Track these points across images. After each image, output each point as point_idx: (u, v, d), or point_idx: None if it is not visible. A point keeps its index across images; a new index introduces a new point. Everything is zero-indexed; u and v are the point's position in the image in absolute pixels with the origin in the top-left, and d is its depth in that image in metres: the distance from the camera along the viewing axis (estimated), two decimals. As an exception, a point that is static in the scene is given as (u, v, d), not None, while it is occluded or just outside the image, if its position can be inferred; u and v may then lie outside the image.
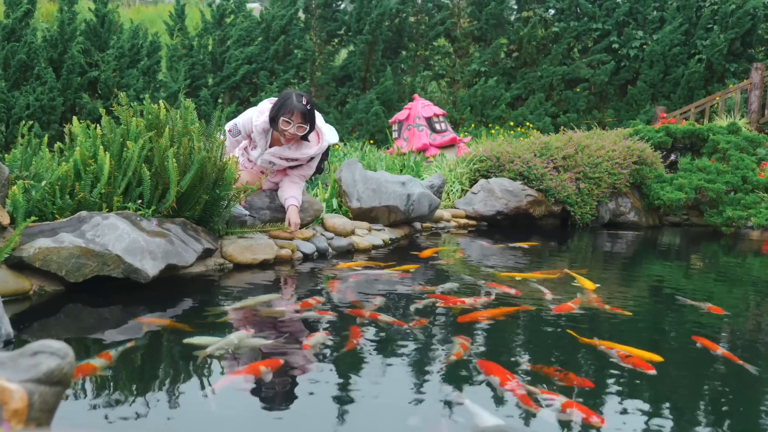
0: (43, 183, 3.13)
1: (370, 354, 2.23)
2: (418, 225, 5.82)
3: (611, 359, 2.23)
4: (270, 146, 4.25)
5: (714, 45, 13.61)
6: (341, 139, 12.38)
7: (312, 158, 4.34)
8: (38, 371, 1.23)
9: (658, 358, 2.22)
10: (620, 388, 2.00)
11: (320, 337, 2.35)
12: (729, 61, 13.88)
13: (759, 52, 14.44)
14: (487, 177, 7.06)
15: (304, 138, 4.19)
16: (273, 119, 4.05)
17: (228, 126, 4.35)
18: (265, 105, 4.22)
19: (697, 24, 14.26)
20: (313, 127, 4.14)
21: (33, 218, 2.81)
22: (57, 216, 3.14)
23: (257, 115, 4.20)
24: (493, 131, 12.45)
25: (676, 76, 13.92)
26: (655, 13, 14.74)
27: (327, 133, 4.37)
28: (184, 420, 1.69)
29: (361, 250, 4.58)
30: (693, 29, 14.28)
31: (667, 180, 7.49)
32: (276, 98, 4.19)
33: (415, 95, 10.48)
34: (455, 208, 6.69)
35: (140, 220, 3.23)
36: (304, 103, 3.99)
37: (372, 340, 2.38)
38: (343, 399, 1.84)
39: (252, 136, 4.26)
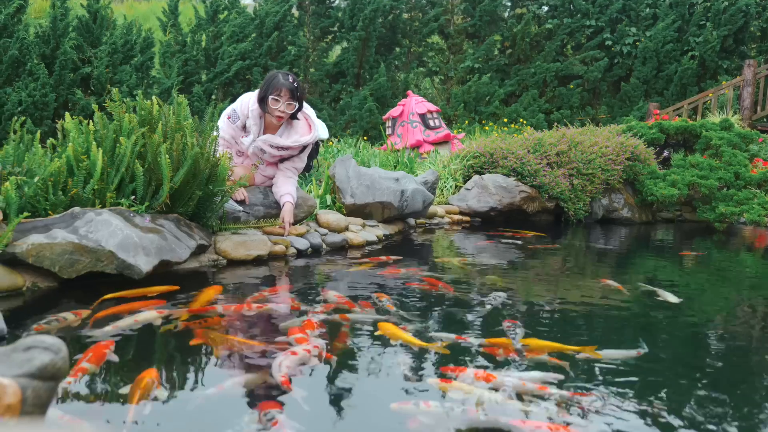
0: (36, 179, 3.12)
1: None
2: (412, 221, 5.82)
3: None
4: (263, 133, 4.26)
5: (707, 42, 13.64)
6: (335, 135, 12.36)
7: (303, 149, 4.34)
8: (31, 366, 1.23)
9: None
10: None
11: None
12: (721, 58, 13.91)
13: (751, 49, 14.48)
14: (480, 173, 7.06)
15: (293, 117, 4.19)
16: (262, 100, 4.08)
17: (226, 113, 4.31)
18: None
19: (689, 21, 14.29)
20: (301, 104, 4.16)
21: (26, 214, 2.80)
22: (50, 212, 3.12)
23: (253, 100, 4.21)
24: (486, 128, 12.46)
25: (668, 72, 13.95)
26: (648, 10, 14.76)
27: (318, 126, 4.38)
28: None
29: (355, 246, 4.58)
30: (686, 26, 14.32)
31: (660, 176, 7.51)
32: None
33: (409, 92, 10.47)
34: (449, 204, 6.70)
35: (133, 216, 3.22)
36: (291, 80, 4.05)
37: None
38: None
39: (247, 122, 4.25)
